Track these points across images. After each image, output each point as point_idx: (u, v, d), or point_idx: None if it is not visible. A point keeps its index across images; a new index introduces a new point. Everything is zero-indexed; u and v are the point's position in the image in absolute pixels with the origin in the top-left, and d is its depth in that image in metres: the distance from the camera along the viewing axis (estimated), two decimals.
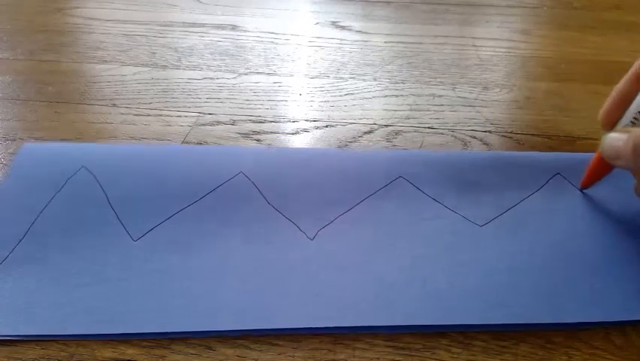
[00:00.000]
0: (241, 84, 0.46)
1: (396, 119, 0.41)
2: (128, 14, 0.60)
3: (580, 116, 0.42)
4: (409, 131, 0.40)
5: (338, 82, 0.47)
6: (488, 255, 0.29)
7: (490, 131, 0.40)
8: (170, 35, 0.55)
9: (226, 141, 0.39)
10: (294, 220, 0.31)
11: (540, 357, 0.25)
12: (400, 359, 0.25)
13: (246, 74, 0.48)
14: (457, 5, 0.63)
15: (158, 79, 0.47)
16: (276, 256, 0.29)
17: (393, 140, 0.39)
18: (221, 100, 0.44)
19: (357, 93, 0.45)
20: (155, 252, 0.29)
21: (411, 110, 0.43)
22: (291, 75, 0.48)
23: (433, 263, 0.29)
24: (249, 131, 0.40)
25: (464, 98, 0.44)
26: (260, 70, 0.48)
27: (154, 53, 0.51)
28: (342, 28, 0.58)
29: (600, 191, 0.33)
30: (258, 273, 0.28)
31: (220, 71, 0.48)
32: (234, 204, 0.32)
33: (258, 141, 0.39)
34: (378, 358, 0.25)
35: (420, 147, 0.38)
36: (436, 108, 0.43)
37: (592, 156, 0.32)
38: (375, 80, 0.47)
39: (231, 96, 0.44)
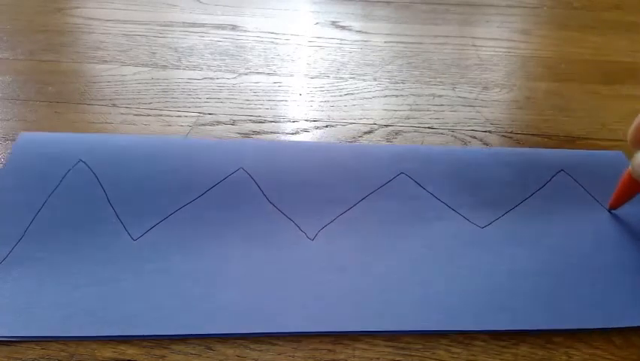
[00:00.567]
0: (241, 84, 0.46)
1: (396, 119, 0.41)
2: (128, 14, 0.60)
3: (580, 116, 0.42)
4: (409, 131, 0.40)
5: (338, 82, 0.47)
6: (489, 258, 0.29)
7: (490, 131, 0.40)
8: (170, 35, 0.55)
9: None
10: (294, 220, 0.31)
11: (540, 357, 0.25)
12: (400, 359, 0.25)
13: (246, 74, 0.48)
14: (457, 5, 0.63)
15: (158, 79, 0.46)
16: (276, 257, 0.29)
17: (393, 140, 0.39)
18: (221, 100, 0.44)
19: (357, 93, 0.45)
20: (155, 252, 0.29)
21: (411, 110, 0.43)
22: (291, 75, 0.48)
23: (433, 266, 0.29)
24: (249, 131, 0.40)
25: (464, 98, 0.44)
26: (260, 70, 0.48)
27: (154, 53, 0.51)
28: (342, 28, 0.58)
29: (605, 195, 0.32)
30: (259, 275, 0.28)
31: (220, 71, 0.48)
32: (234, 203, 0.32)
33: None
34: (378, 358, 0.25)
35: None
36: (436, 108, 0.43)
37: (596, 154, 0.31)
38: (375, 80, 0.47)
39: (231, 96, 0.44)
